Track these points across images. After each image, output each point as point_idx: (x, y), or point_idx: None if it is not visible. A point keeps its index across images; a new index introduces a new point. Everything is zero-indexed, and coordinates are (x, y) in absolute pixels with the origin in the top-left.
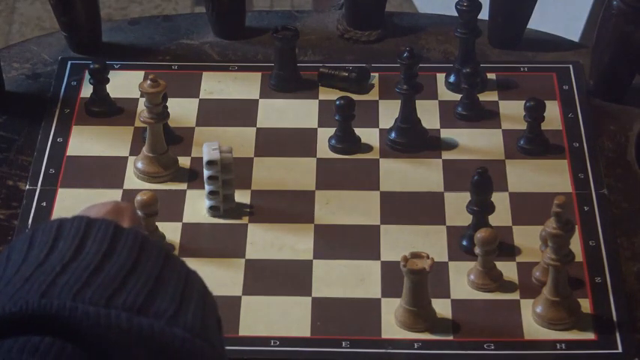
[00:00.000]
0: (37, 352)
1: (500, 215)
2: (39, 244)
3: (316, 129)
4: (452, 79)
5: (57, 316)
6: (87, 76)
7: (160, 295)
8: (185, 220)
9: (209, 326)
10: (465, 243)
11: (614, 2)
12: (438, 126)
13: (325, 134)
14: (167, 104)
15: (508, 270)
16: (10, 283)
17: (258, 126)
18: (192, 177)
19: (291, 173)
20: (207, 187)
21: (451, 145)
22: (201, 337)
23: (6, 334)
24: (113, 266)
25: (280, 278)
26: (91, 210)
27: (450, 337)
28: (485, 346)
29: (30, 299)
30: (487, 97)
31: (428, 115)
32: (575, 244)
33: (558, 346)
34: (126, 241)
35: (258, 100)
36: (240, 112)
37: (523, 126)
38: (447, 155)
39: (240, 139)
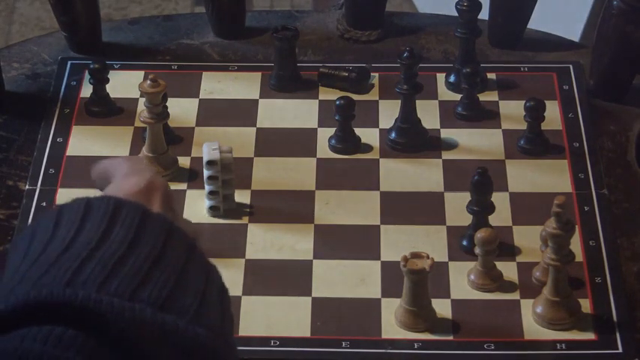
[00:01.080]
0: (60, 344)
1: (501, 215)
2: (66, 223)
3: (316, 129)
4: (452, 79)
5: (81, 307)
6: (87, 76)
7: (183, 290)
8: None
9: (226, 324)
10: (465, 243)
11: (614, 2)
12: (438, 126)
13: (325, 134)
14: (167, 104)
15: (508, 270)
16: (35, 264)
17: (258, 126)
18: (192, 177)
19: (291, 173)
20: (207, 187)
21: (451, 145)
22: (221, 336)
23: (28, 321)
24: (139, 256)
25: (280, 278)
26: (126, 183)
27: (450, 337)
28: (485, 346)
29: (55, 289)
30: (487, 97)
31: (428, 115)
32: (575, 244)
33: (558, 346)
34: (153, 229)
35: (258, 100)
36: (240, 112)
37: (523, 126)
38: (447, 155)
39: (240, 139)
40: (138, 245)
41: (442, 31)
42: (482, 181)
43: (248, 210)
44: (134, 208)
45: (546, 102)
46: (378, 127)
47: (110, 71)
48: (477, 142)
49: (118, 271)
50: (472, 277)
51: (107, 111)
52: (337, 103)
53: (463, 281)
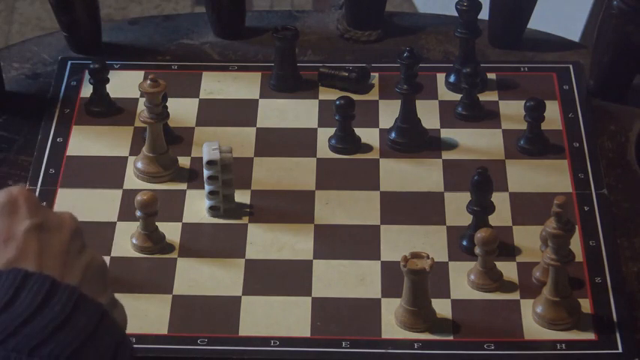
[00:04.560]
0: None
1: (501, 215)
2: None
3: (316, 129)
4: (452, 79)
5: None
6: (87, 76)
7: (89, 352)
8: (185, 220)
9: None
10: (465, 243)
11: (614, 2)
12: (438, 126)
13: (325, 134)
14: (167, 104)
15: (508, 270)
16: None
17: (258, 126)
18: (192, 177)
19: (291, 173)
20: (207, 187)
21: (451, 145)
22: None
23: None
24: (44, 319)
25: (280, 278)
26: None
27: (450, 337)
28: (485, 346)
29: None
30: (487, 97)
31: (428, 115)
32: (575, 244)
33: (558, 346)
34: (61, 296)
35: (258, 100)
36: (240, 112)
37: (523, 126)
38: (447, 155)
39: (240, 139)
40: (43, 310)
41: (442, 31)
42: (482, 181)
43: (248, 210)
44: (42, 278)
45: (546, 102)
46: (378, 127)
47: (110, 71)
48: (477, 142)
49: (19, 332)
50: (472, 277)
51: (107, 111)
52: (337, 103)
53: (463, 281)
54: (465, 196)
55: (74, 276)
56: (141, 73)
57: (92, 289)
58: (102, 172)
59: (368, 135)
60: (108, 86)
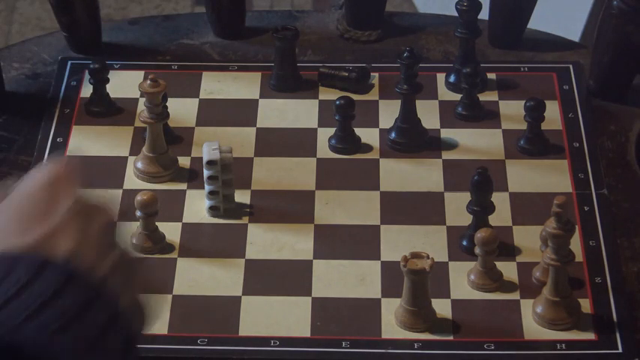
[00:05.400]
0: None
1: (500, 215)
2: None
3: (316, 129)
4: (452, 79)
5: None
6: (87, 76)
7: (85, 323)
8: (185, 220)
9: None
10: (465, 243)
11: (614, 2)
12: (438, 126)
13: (325, 134)
14: (167, 104)
15: (508, 270)
16: None
17: (258, 126)
18: (192, 177)
19: (291, 173)
20: (207, 187)
21: (451, 145)
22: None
23: None
24: (32, 294)
25: (280, 278)
26: (25, 186)
27: (450, 337)
28: (485, 346)
29: None
30: (487, 97)
31: (428, 115)
32: (575, 244)
33: (558, 346)
34: (51, 273)
35: (258, 100)
36: (240, 112)
37: (523, 126)
38: (447, 155)
39: (240, 139)
40: (29, 287)
41: (442, 31)
42: (482, 181)
43: (248, 210)
44: (33, 258)
45: (546, 102)
46: (378, 127)
47: (110, 71)
48: (477, 142)
49: (6, 306)
50: (472, 277)
51: (107, 111)
52: (337, 103)
53: (463, 281)
54: (465, 196)
55: (104, 266)
56: (141, 73)
57: (118, 284)
58: (102, 172)
59: (368, 135)
60: (108, 86)
